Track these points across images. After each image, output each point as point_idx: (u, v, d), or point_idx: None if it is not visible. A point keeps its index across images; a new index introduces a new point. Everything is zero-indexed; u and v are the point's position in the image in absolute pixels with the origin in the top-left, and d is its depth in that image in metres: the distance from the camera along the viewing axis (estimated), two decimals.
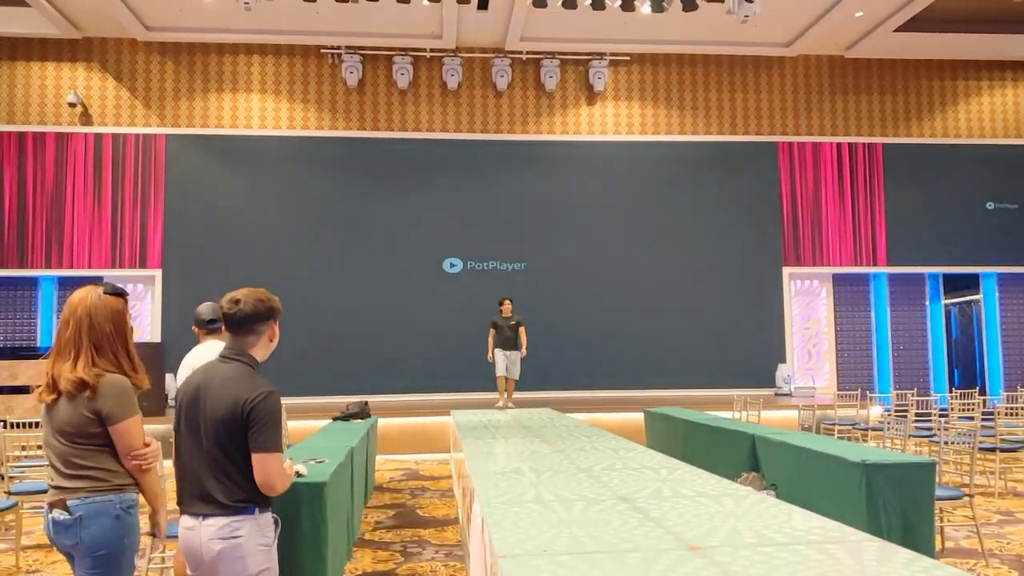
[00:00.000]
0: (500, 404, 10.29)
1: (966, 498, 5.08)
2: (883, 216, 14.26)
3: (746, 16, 10.53)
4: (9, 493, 5.84)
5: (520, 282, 13.55)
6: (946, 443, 6.74)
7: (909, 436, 8.61)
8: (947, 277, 14.67)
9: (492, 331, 10.80)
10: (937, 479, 5.46)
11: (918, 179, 14.32)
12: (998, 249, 14.28)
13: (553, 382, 12.94)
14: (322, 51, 13.81)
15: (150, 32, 13.37)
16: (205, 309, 4.14)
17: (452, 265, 13.83)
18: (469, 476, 4.92)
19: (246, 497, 2.45)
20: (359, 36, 13.51)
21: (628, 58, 14.18)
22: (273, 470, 2.45)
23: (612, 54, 14.04)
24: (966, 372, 15.46)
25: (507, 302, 10.89)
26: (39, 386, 2.65)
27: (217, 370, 2.58)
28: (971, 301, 15.38)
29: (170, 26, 13.30)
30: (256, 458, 2.44)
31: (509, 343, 10.67)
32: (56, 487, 2.56)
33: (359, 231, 13.58)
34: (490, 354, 10.77)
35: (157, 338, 13.09)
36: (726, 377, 13.28)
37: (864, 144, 14.35)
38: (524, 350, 10.81)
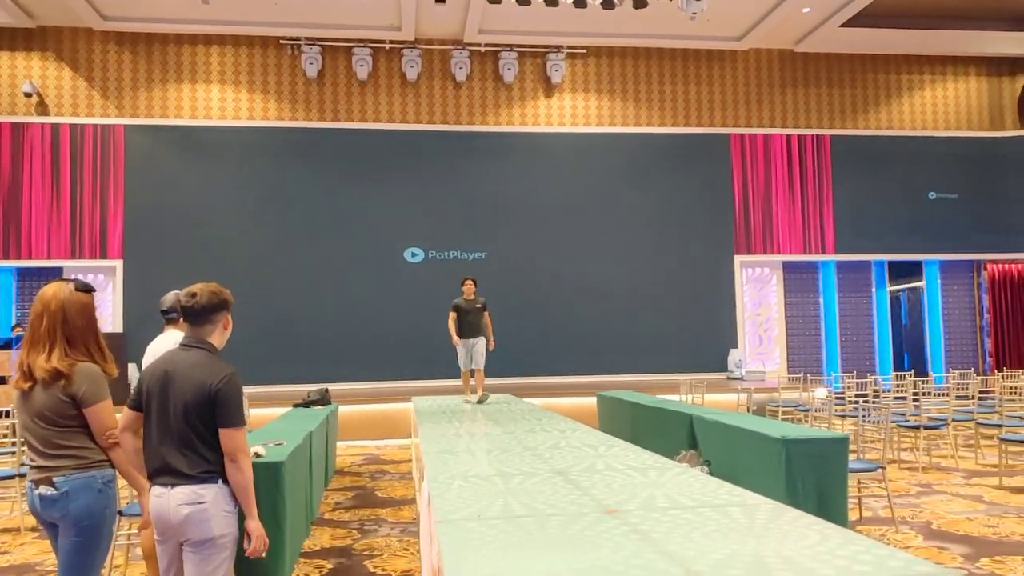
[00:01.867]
0: (468, 399, 9.01)
1: (880, 470, 5.49)
2: (831, 206, 14.77)
3: (694, 13, 10.88)
4: None
5: (481, 271, 13.75)
6: (875, 421, 7.19)
7: (845, 416, 9.10)
8: (892, 264, 15.25)
9: (453, 315, 9.10)
10: (858, 454, 5.90)
11: (864, 170, 14.85)
12: (939, 237, 14.87)
13: (513, 368, 13.23)
14: (281, 42, 13.90)
15: (106, 21, 13.34)
16: (164, 300, 4.36)
17: (414, 254, 14.06)
18: (423, 455, 5.22)
19: (211, 468, 2.74)
20: (318, 27, 13.63)
21: (584, 51, 14.48)
22: (238, 442, 2.75)
23: (569, 47, 14.33)
24: (914, 354, 16.09)
25: (469, 282, 9.12)
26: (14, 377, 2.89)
27: (181, 357, 2.84)
28: (915, 288, 16.00)
29: (127, 16, 13.28)
30: (223, 433, 2.73)
31: (472, 329, 9.01)
32: (38, 467, 2.82)
33: (320, 221, 13.74)
34: (455, 338, 9.09)
35: (119, 328, 13.15)
36: (680, 362, 13.73)
37: (813, 136, 14.84)
38: (491, 342, 9.08)
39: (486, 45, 14.20)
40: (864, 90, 15.21)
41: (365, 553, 5.16)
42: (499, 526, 2.93)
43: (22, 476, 5.97)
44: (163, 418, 2.75)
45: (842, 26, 13.90)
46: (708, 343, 14.22)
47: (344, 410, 10.83)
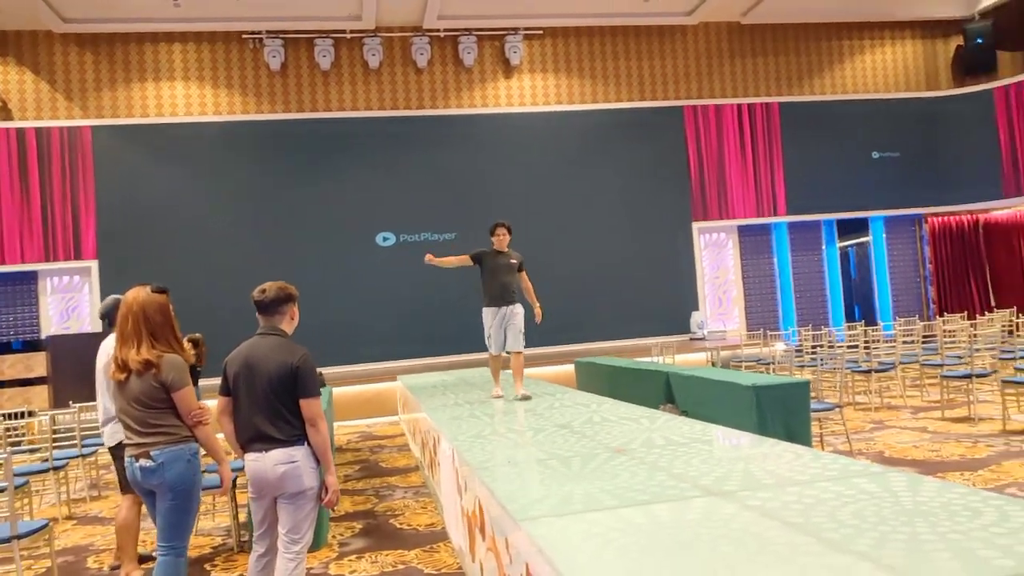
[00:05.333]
0: (498, 392, 6.67)
1: (837, 410, 6.21)
2: (781, 170, 15.53)
3: None
4: None
5: (453, 251, 14.26)
6: (831, 369, 7.94)
7: (804, 366, 9.87)
8: (840, 222, 16.10)
9: (464, 258, 6.60)
10: (818, 397, 6.61)
11: (811, 134, 15.61)
12: (883, 194, 15.74)
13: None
14: (243, 36, 14.11)
15: (67, 24, 13.42)
16: (103, 305, 4.90)
17: (385, 239, 14.48)
18: (432, 424, 5.77)
19: (297, 433, 3.28)
20: (279, 20, 13.87)
21: (541, 32, 14.95)
22: (316, 409, 3.28)
23: (526, 28, 14.77)
24: (864, 306, 17.03)
25: (502, 229, 6.49)
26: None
27: (260, 344, 3.37)
28: (862, 243, 16.91)
29: (87, 17, 13.38)
30: (304, 403, 3.27)
31: (504, 292, 6.44)
32: (136, 444, 3.32)
33: (292, 211, 14.06)
34: (437, 260, 6.68)
35: (98, 328, 13.39)
36: (647, 327, 14.45)
37: (762, 104, 15.54)
38: (538, 310, 6.62)
39: (445, 30, 14.58)
40: (808, 57, 15.95)
41: (388, 513, 5.72)
42: (531, 467, 3.51)
43: (56, 470, 6.38)
44: (251, 395, 3.27)
45: None
46: (671, 307, 14.93)
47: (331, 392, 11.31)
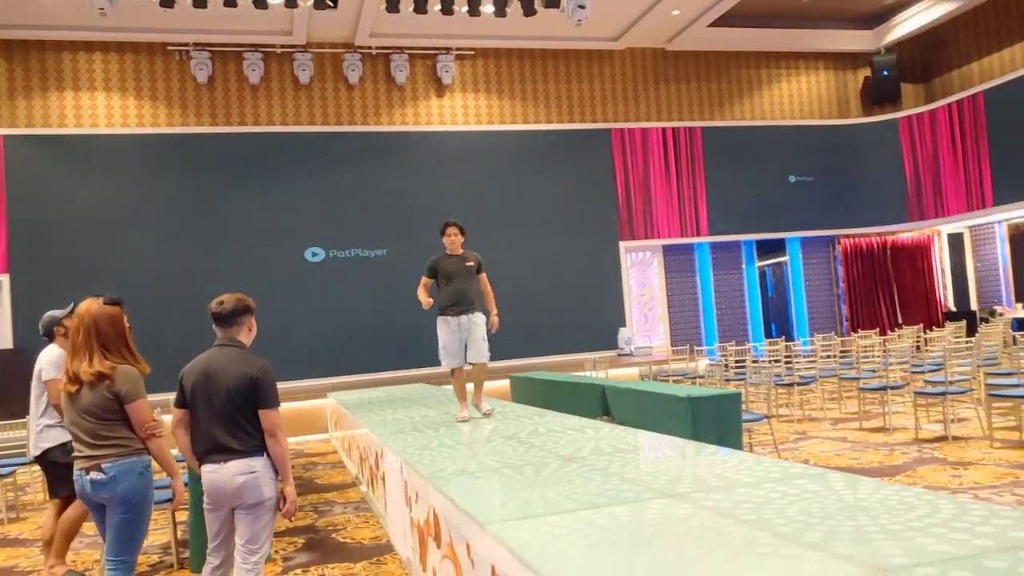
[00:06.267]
0: (464, 415, 5.90)
1: (766, 420, 6.48)
2: (704, 191, 16.06)
3: (579, 20, 11.73)
4: None
5: (383, 267, 14.30)
6: (756, 383, 8.27)
7: (730, 380, 10.22)
8: (759, 243, 16.75)
9: (427, 280, 6.00)
10: (746, 407, 6.89)
11: (732, 157, 16.20)
12: (799, 216, 16.45)
13: (421, 360, 13.70)
14: (169, 48, 13.81)
15: None
16: (41, 323, 4.86)
17: (314, 254, 14.33)
18: (375, 439, 5.77)
19: (256, 444, 3.27)
20: (207, 33, 13.63)
21: (473, 52, 15.13)
22: (276, 420, 3.28)
23: (457, 49, 14.93)
24: (781, 323, 17.71)
25: (453, 229, 6.15)
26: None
27: (218, 355, 3.35)
28: (779, 263, 17.62)
29: (2, 23, 12.87)
30: (264, 413, 3.26)
31: (463, 299, 5.88)
32: (86, 456, 3.25)
33: (219, 226, 13.77)
34: (425, 301, 5.95)
35: (9, 344, 12.81)
36: (577, 343, 14.68)
37: (685, 128, 16.07)
38: (495, 318, 6.11)
39: (377, 48, 14.60)
40: (730, 84, 16.60)
41: (330, 528, 5.68)
42: (485, 476, 3.59)
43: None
44: (209, 406, 3.25)
45: (709, 26, 15.16)
46: (599, 323, 15.21)
47: None
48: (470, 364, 5.97)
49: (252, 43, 13.99)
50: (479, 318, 5.92)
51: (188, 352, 12.10)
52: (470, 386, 6.13)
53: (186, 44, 13.77)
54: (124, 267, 12.96)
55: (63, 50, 13.46)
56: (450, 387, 6.46)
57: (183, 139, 13.84)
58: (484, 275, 6.15)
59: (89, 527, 6.24)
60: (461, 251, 6.09)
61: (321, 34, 14.19)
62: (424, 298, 5.92)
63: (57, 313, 4.80)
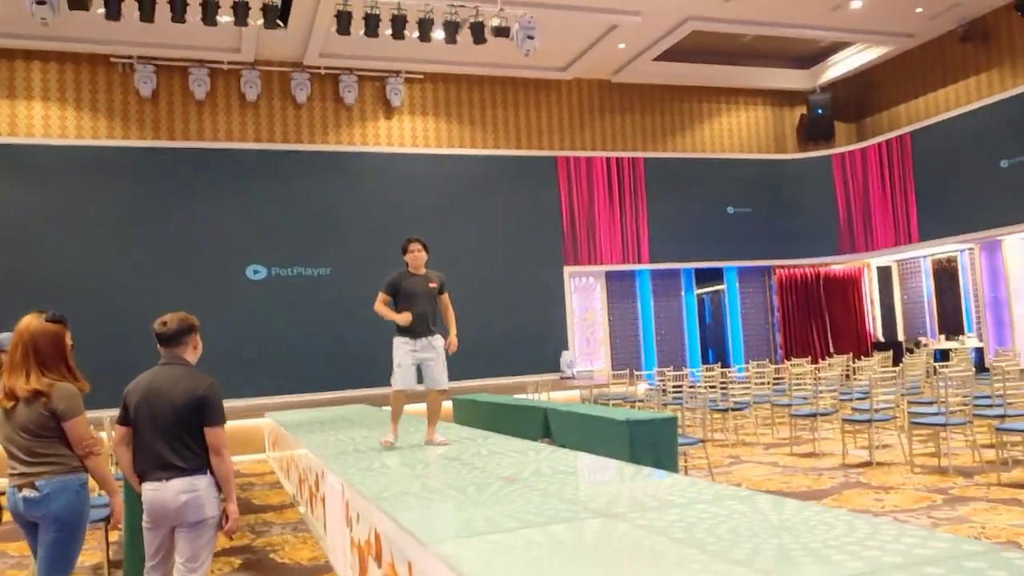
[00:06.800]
0: (387, 440, 5.68)
1: (701, 444, 6.68)
2: (646, 220, 16.43)
3: (528, 51, 11.98)
4: None
5: (326, 286, 14.23)
6: (692, 408, 8.49)
7: (666, 404, 10.44)
8: (698, 271, 17.18)
9: (384, 297, 5.78)
10: (682, 431, 7.07)
11: (673, 188, 16.62)
12: (737, 246, 16.93)
13: (362, 380, 13.63)
14: (112, 60, 13.60)
15: None
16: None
17: (256, 271, 14.18)
18: (315, 460, 5.77)
19: (200, 462, 3.27)
20: (152, 47, 13.45)
21: (422, 76, 15.26)
22: (222, 438, 3.29)
23: (407, 72, 15.04)
24: (718, 349, 18.14)
25: (416, 245, 5.93)
26: None
27: (165, 373, 3.35)
28: (717, 291, 18.08)
29: None
30: (210, 431, 3.27)
31: (422, 324, 5.66)
32: (20, 473, 3.20)
33: (158, 241, 13.51)
34: (399, 317, 5.65)
35: None
36: (520, 366, 14.80)
37: (629, 158, 16.45)
38: (454, 339, 5.83)
39: (326, 68, 14.62)
40: (672, 117, 17.07)
41: (267, 548, 5.63)
42: (428, 496, 3.65)
43: None
44: (154, 424, 3.25)
45: (654, 60, 15.60)
46: (543, 347, 15.36)
47: None
48: (425, 389, 5.75)
49: (198, 58, 13.87)
50: (438, 341, 5.68)
51: (120, 368, 11.64)
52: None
53: (130, 57, 13.57)
54: (56, 280, 12.60)
55: (0, 57, 13.14)
56: (387, 408, 6.12)
57: (124, 152, 13.59)
58: (447, 295, 5.90)
59: (14, 548, 6.08)
60: (424, 271, 5.81)
61: (270, 52, 14.15)
62: (395, 316, 5.59)
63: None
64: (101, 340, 12.13)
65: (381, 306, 5.69)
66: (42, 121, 13.31)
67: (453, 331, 5.83)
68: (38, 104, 13.30)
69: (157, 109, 13.88)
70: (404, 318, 5.55)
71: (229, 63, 14.10)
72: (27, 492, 3.19)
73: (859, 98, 17.73)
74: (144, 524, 3.30)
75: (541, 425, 7.10)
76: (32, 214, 12.95)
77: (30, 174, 13.06)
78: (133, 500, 4.20)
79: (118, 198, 13.42)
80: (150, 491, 3.24)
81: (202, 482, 3.25)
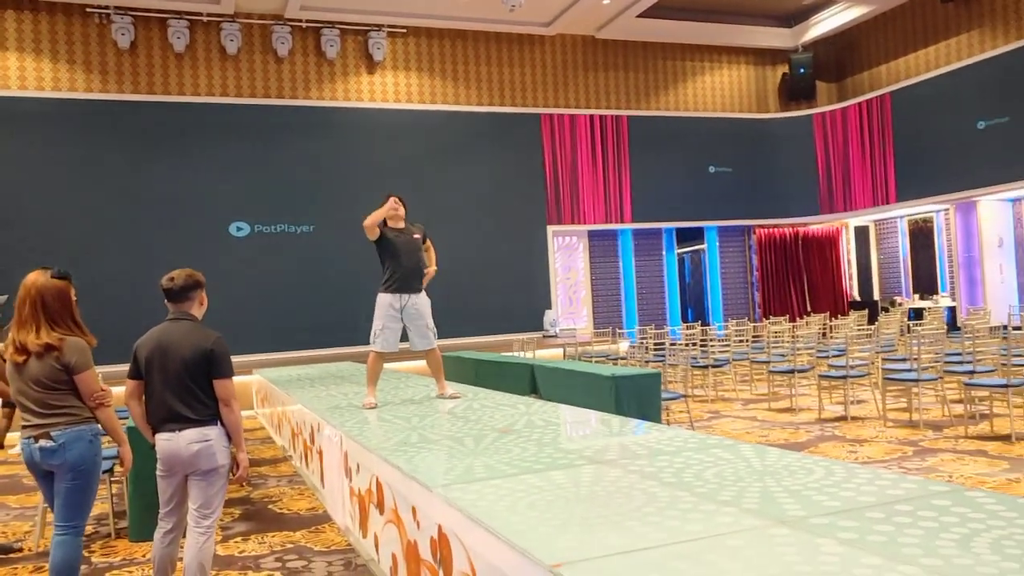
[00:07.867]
0: (369, 402, 5.64)
1: (683, 399, 6.89)
2: (628, 179, 16.52)
3: (513, 6, 11.92)
4: None
5: (309, 244, 14.25)
6: (674, 365, 8.71)
7: (648, 361, 10.68)
8: (679, 231, 17.35)
9: (375, 234, 5.82)
10: (664, 387, 7.29)
11: (655, 147, 16.69)
12: (718, 206, 17.09)
13: (347, 338, 13.74)
14: (88, 10, 13.34)
15: None
16: None
17: (239, 228, 14.15)
18: (311, 414, 5.91)
19: (210, 413, 3.41)
20: None
21: (405, 31, 15.11)
22: (230, 389, 3.42)
23: (390, 26, 14.88)
24: (697, 308, 18.42)
25: (394, 200, 5.92)
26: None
27: (172, 328, 3.47)
28: (697, 250, 18.29)
29: None
30: (218, 383, 3.40)
31: (412, 278, 5.75)
32: (35, 425, 3.32)
33: (139, 196, 13.41)
34: (376, 216, 5.78)
35: None
36: (502, 324, 14.96)
37: (612, 116, 16.47)
38: (433, 268, 6.02)
39: (308, 21, 14.43)
40: (655, 75, 17.07)
41: (265, 500, 5.80)
42: (427, 447, 3.80)
43: None
44: (164, 377, 3.37)
45: (638, 16, 15.54)
46: (526, 306, 15.53)
47: None
48: (419, 350, 5.81)
49: (177, 10, 13.64)
50: (424, 299, 5.76)
51: (108, 323, 11.56)
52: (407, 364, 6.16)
53: (107, 7, 13.32)
54: (39, 235, 12.53)
55: None
56: None
57: (102, 106, 13.40)
58: (430, 241, 6.00)
59: (15, 500, 6.20)
60: (403, 224, 5.86)
61: (250, 5, 13.94)
62: (380, 210, 5.69)
63: None
64: (82, 299, 12.11)
65: (370, 217, 5.69)
66: (17, 72, 13.07)
67: (432, 265, 5.95)
68: (13, 55, 13.06)
69: (136, 62, 13.67)
70: (388, 206, 5.71)
71: (208, 15, 13.88)
72: (43, 442, 3.31)
73: (840, 58, 17.80)
74: (158, 472, 3.44)
75: (528, 381, 7.28)
76: (8, 167, 12.80)
77: (5, 127, 12.87)
78: (138, 451, 4.33)
79: (95, 153, 13.26)
80: (163, 441, 3.37)
81: (213, 432, 3.39)
